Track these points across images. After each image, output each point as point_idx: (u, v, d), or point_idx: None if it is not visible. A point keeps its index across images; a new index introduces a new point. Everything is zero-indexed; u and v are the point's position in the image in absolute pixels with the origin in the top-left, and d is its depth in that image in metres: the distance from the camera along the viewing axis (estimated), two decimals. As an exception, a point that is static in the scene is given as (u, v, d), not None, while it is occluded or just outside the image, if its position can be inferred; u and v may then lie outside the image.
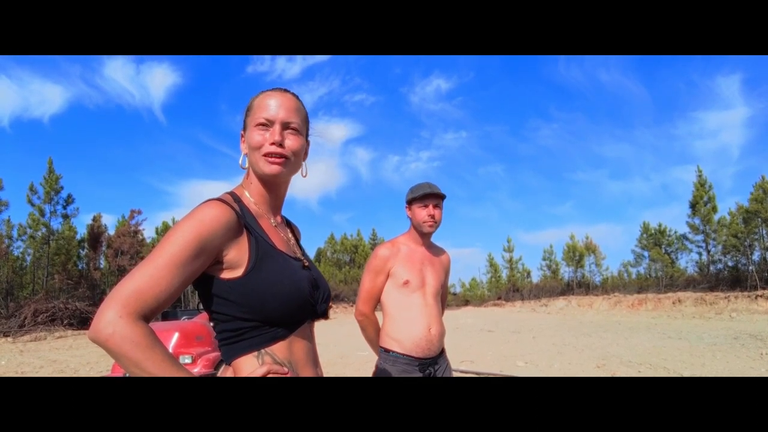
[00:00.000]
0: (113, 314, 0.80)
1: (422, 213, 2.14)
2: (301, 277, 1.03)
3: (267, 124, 1.05)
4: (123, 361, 0.81)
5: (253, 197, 1.09)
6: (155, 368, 0.81)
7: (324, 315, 1.09)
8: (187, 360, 5.43)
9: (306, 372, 1.03)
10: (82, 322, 19.20)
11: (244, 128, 1.10)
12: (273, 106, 1.05)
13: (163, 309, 0.89)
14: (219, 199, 0.98)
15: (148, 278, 0.85)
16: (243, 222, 0.98)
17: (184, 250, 0.88)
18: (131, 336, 0.80)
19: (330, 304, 1.13)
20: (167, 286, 0.86)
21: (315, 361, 1.08)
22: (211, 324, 1.03)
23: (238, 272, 0.96)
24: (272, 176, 1.05)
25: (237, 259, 0.96)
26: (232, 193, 1.06)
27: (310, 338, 1.07)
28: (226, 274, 0.96)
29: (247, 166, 1.11)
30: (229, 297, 0.95)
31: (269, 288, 0.96)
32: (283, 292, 0.98)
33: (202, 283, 0.97)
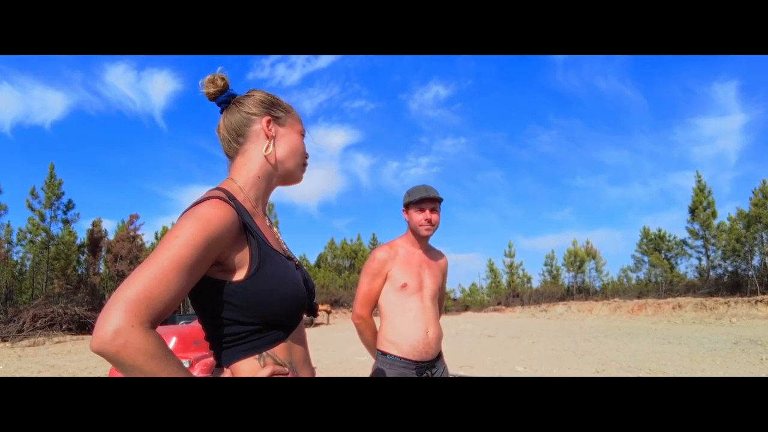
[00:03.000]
0: (123, 322, 0.73)
1: (419, 217, 2.14)
2: (298, 277, 1.02)
3: (304, 137, 1.15)
4: (135, 374, 0.75)
5: (251, 193, 1.05)
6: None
7: (314, 313, 1.09)
8: (185, 364, 5.42)
9: (304, 371, 1.03)
10: (81, 327, 19.15)
11: (278, 119, 1.09)
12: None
13: (169, 314, 0.83)
14: (220, 198, 0.92)
15: (155, 281, 0.78)
16: (242, 222, 0.94)
17: (191, 251, 0.82)
18: (145, 346, 0.74)
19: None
20: (175, 290, 0.80)
21: (309, 360, 1.08)
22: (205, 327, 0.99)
23: (240, 275, 0.92)
24: (298, 183, 1.14)
25: (238, 261, 0.92)
26: (223, 190, 0.98)
27: (303, 337, 1.07)
28: (227, 277, 0.91)
29: (268, 153, 1.06)
30: (231, 300, 0.91)
31: (273, 290, 0.94)
32: (286, 293, 0.96)
33: (198, 286, 0.89)
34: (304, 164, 1.14)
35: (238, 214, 0.93)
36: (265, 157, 1.05)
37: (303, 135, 1.14)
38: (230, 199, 0.95)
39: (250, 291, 0.91)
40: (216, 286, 0.91)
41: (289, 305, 0.97)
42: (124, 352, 0.73)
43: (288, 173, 1.11)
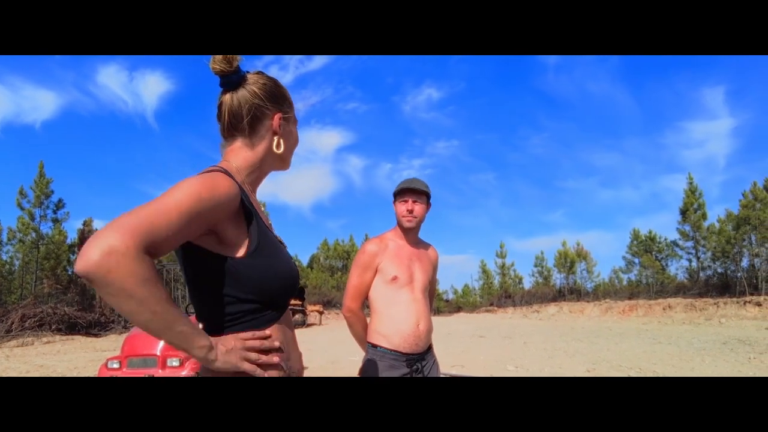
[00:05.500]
0: (119, 243, 0.69)
1: (401, 207, 2.15)
2: (290, 256, 1.06)
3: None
4: (120, 298, 0.71)
5: (249, 176, 1.05)
6: (159, 307, 0.74)
7: (301, 294, 1.12)
8: (175, 363, 5.37)
9: (295, 351, 1.06)
10: (70, 327, 18.91)
11: (287, 116, 1.10)
12: None
13: (165, 253, 0.80)
14: (224, 172, 0.94)
15: (155, 213, 0.76)
16: (242, 199, 0.95)
17: (194, 201, 0.81)
18: (139, 270, 0.71)
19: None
20: (175, 229, 0.78)
21: (296, 343, 1.10)
22: (200, 307, 0.98)
23: (240, 251, 0.93)
24: (286, 170, 1.16)
25: (236, 237, 0.93)
26: (223, 169, 0.97)
27: (291, 321, 1.09)
28: (228, 253, 0.92)
29: (280, 151, 1.08)
30: (232, 276, 0.92)
31: (272, 268, 0.96)
32: (283, 271, 0.99)
33: (200, 260, 0.91)
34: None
35: (240, 190, 0.95)
36: (271, 151, 1.07)
37: (296, 124, 1.16)
38: (230, 176, 0.96)
39: (251, 267, 0.93)
40: (218, 262, 0.92)
41: (285, 282, 0.99)
42: (114, 273, 0.68)
43: (283, 164, 1.14)
